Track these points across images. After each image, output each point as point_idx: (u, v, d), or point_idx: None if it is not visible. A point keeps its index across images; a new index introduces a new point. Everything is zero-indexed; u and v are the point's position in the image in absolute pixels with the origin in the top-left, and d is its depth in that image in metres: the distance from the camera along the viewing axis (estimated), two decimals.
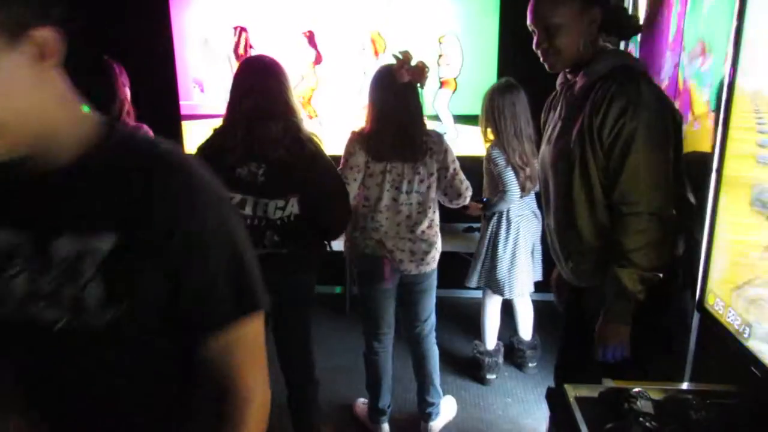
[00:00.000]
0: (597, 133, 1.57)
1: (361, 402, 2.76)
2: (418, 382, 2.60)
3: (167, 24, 3.64)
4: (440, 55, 3.54)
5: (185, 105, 3.74)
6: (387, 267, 2.35)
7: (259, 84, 2.00)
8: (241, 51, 3.66)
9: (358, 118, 3.59)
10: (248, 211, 2.03)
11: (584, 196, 1.65)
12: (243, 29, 3.64)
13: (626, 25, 1.80)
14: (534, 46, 1.71)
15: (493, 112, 2.73)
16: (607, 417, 1.33)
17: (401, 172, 2.28)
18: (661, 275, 1.59)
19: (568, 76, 1.74)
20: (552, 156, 1.75)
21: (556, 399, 1.48)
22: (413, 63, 2.21)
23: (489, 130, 2.80)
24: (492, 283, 2.90)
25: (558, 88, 1.83)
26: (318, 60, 3.65)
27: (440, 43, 3.53)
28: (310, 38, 3.62)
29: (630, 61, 1.69)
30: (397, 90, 2.21)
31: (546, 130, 1.85)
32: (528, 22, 1.71)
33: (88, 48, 2.46)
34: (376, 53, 3.58)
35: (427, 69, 2.23)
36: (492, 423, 2.74)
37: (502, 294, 2.90)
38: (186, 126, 3.74)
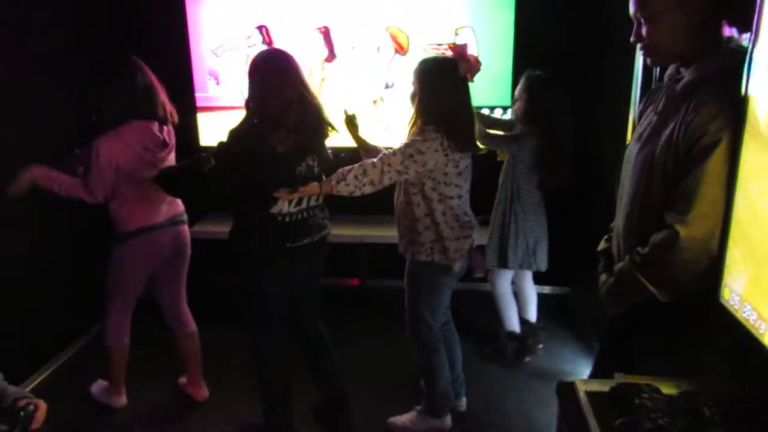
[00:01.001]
0: (681, 137, 1.43)
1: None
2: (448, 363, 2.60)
3: (182, 16, 3.64)
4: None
5: (200, 97, 3.76)
6: (478, 255, 2.40)
7: (296, 81, 2.12)
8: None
9: (369, 113, 3.61)
10: (312, 202, 2.24)
11: (658, 206, 1.52)
12: (264, 27, 3.64)
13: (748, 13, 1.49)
14: (631, 38, 1.56)
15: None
16: (618, 412, 1.32)
17: (469, 163, 2.34)
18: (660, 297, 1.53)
19: (681, 69, 1.54)
20: (636, 156, 1.61)
21: (566, 393, 1.46)
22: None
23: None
24: (502, 257, 2.97)
25: (665, 79, 1.64)
26: (331, 58, 3.63)
27: (456, 35, 3.50)
28: (326, 34, 3.60)
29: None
30: (459, 82, 2.24)
31: (639, 124, 1.70)
32: (630, 11, 1.54)
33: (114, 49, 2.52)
34: (402, 49, 3.55)
35: (479, 62, 2.24)
36: (505, 416, 2.73)
37: (509, 265, 2.96)
38: (201, 118, 3.76)
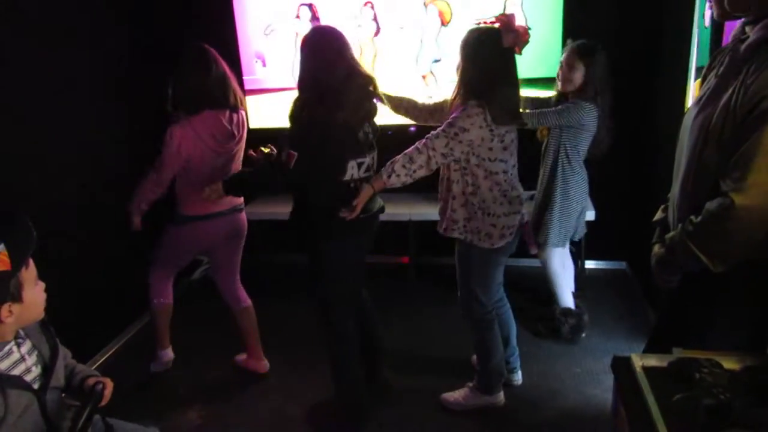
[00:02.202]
0: (739, 101, 1.37)
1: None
2: (501, 338, 2.58)
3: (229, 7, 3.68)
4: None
5: (248, 80, 3.80)
6: (530, 231, 2.39)
7: (347, 56, 2.19)
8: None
9: (419, 88, 3.57)
10: (370, 170, 2.32)
11: (714, 174, 1.47)
12: (311, 5, 3.64)
13: None
14: None
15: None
16: (677, 388, 1.28)
17: (515, 137, 2.30)
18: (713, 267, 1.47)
19: (746, 27, 1.46)
20: (693, 120, 1.56)
21: (622, 369, 1.43)
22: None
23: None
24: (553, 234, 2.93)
25: (730, 39, 1.57)
26: (377, 32, 3.61)
27: (504, 5, 3.41)
28: (373, 9, 3.58)
29: None
30: (504, 53, 2.17)
31: (702, 87, 1.64)
32: None
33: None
34: (444, 21, 3.50)
35: (528, 34, 2.16)
36: (559, 392, 2.71)
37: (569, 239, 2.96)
38: (249, 101, 3.80)
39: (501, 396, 2.60)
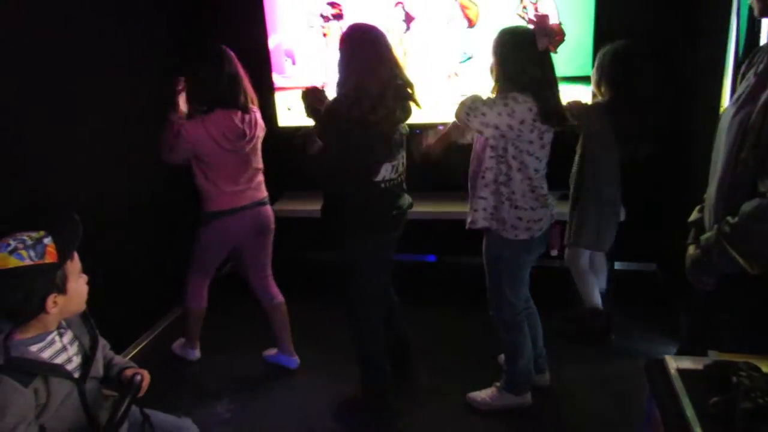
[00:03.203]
0: None
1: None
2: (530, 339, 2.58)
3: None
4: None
5: (277, 78, 3.83)
6: (556, 233, 2.38)
7: (390, 58, 2.19)
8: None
9: (448, 87, 3.56)
10: (398, 170, 2.34)
11: (751, 174, 1.45)
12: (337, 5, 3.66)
13: None
14: None
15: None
16: (713, 391, 1.27)
17: (551, 139, 2.28)
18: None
19: None
20: (731, 119, 1.55)
21: (656, 371, 1.42)
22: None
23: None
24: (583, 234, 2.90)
25: None
26: (407, 30, 3.60)
27: (533, 2, 3.38)
28: (402, 7, 3.58)
29: None
30: (540, 56, 2.14)
31: (739, 85, 1.63)
32: None
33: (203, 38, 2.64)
34: (471, 22, 3.48)
35: (564, 33, 2.13)
36: (587, 394, 2.69)
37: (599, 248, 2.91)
38: (279, 98, 3.84)
39: (528, 396, 2.59)
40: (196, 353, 3.14)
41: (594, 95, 2.88)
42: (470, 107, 2.16)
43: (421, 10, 3.53)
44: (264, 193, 2.86)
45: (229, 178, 2.67)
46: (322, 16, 3.66)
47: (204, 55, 2.61)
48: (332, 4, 3.64)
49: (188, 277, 2.93)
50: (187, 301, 2.98)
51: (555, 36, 2.10)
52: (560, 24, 2.14)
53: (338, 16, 3.66)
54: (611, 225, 2.90)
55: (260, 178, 2.83)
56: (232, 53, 2.64)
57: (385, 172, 2.27)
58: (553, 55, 2.19)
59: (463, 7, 3.47)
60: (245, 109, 2.66)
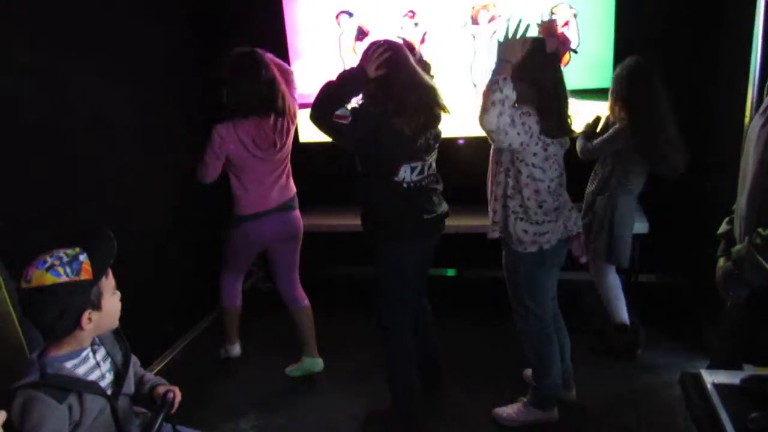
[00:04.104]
0: None
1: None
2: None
3: (280, 14, 3.74)
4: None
5: (299, 95, 3.84)
6: (577, 242, 2.41)
7: (408, 67, 2.24)
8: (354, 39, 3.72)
9: (468, 96, 3.57)
10: (425, 172, 2.34)
11: None
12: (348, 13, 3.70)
13: None
14: None
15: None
16: (751, 405, 1.25)
17: (559, 150, 2.28)
18: None
19: None
20: (760, 130, 1.55)
21: (691, 385, 1.40)
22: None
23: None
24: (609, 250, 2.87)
25: None
26: (422, 40, 3.63)
27: (552, 13, 3.39)
28: (413, 18, 3.60)
29: None
30: (550, 64, 2.17)
31: (765, 96, 1.64)
32: None
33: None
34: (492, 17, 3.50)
35: (569, 39, 2.17)
36: (614, 410, 2.64)
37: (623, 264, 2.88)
38: (300, 114, 3.85)
39: (555, 412, 2.56)
40: (237, 348, 3.23)
41: (611, 114, 2.85)
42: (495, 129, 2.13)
43: (441, 20, 3.56)
44: (291, 192, 2.91)
45: (256, 182, 2.75)
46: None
47: (240, 65, 2.65)
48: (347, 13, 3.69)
49: (221, 276, 3.02)
50: (222, 301, 3.07)
51: (563, 41, 2.11)
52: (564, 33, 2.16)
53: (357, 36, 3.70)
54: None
55: (287, 178, 2.88)
56: (266, 57, 2.68)
57: (405, 173, 2.29)
58: (570, 68, 2.20)
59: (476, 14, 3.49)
60: (282, 113, 2.71)
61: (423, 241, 2.42)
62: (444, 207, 2.46)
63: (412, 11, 3.59)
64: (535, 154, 2.20)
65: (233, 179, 2.76)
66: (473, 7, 3.48)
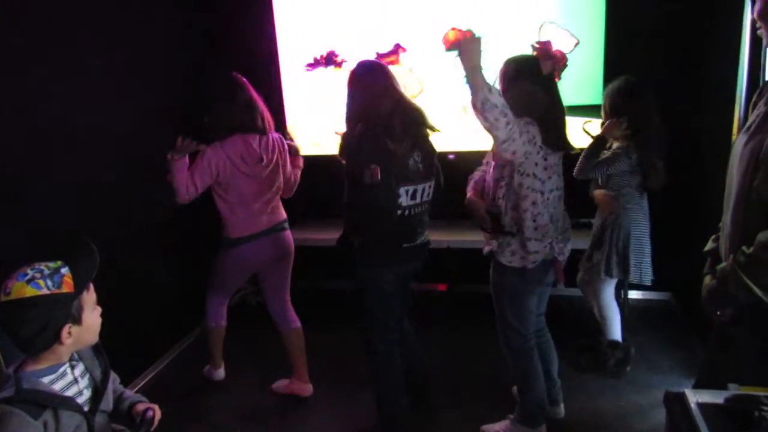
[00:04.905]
0: None
1: None
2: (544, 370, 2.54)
3: (272, 38, 3.78)
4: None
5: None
6: (558, 269, 2.36)
7: (391, 88, 2.26)
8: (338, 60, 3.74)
9: (456, 113, 3.58)
10: (417, 199, 2.32)
11: (766, 203, 1.45)
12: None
13: None
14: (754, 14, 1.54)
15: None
16: (734, 426, 1.24)
17: (558, 161, 2.27)
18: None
19: None
20: (743, 148, 1.55)
21: (675, 404, 1.39)
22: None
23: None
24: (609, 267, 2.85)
25: None
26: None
27: (540, 30, 3.40)
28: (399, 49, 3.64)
29: None
30: (544, 81, 2.17)
31: (751, 114, 1.64)
32: None
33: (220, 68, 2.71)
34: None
35: (566, 58, 2.16)
36: (603, 427, 2.63)
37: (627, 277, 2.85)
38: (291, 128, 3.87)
39: (543, 429, 2.53)
40: (221, 373, 3.16)
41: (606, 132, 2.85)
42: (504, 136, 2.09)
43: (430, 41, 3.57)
44: (282, 216, 2.89)
45: (245, 203, 2.71)
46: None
47: (216, 88, 2.70)
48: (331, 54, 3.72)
49: (208, 297, 2.98)
50: (206, 321, 3.02)
51: (558, 62, 2.12)
52: (562, 51, 2.16)
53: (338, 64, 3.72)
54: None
55: (277, 200, 2.87)
56: (243, 79, 2.70)
57: (402, 197, 2.27)
58: (562, 83, 2.21)
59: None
60: (263, 132, 2.72)
61: (402, 267, 2.41)
62: (425, 236, 2.45)
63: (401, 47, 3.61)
64: (536, 164, 2.20)
65: (219, 201, 2.72)
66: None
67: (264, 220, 2.77)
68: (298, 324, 2.98)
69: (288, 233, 2.91)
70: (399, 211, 2.28)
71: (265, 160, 2.72)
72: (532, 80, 2.17)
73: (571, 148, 2.33)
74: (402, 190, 2.27)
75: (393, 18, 3.60)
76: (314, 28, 3.75)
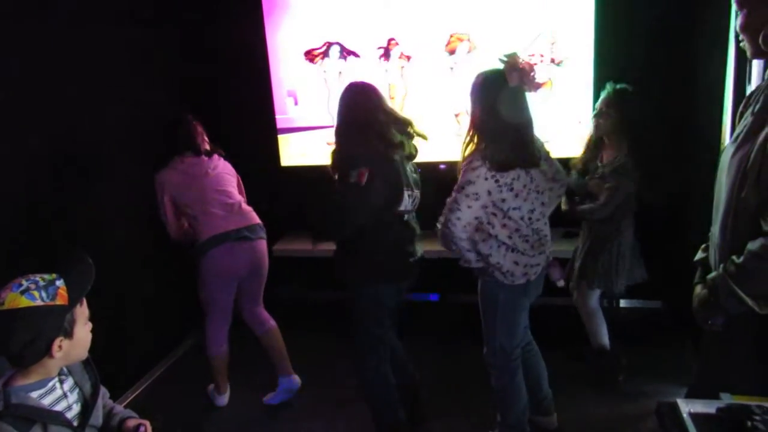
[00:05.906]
0: None
1: None
2: (532, 381, 2.54)
3: (262, 38, 3.76)
4: (532, 55, 3.44)
5: (280, 119, 3.86)
6: (556, 267, 2.40)
7: (385, 106, 2.33)
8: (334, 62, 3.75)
9: (450, 121, 3.60)
10: (410, 206, 2.39)
11: (753, 212, 1.46)
12: (330, 44, 3.73)
13: None
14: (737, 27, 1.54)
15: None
16: None
17: (534, 177, 2.19)
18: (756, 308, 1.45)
19: None
20: (731, 158, 1.55)
21: (667, 414, 1.39)
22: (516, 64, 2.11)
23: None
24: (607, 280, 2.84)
25: (765, 78, 1.59)
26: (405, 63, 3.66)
27: (534, 41, 3.43)
28: (391, 47, 3.64)
29: None
30: (511, 93, 2.10)
31: (738, 124, 1.64)
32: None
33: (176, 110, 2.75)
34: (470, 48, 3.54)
35: (534, 71, 2.12)
36: None
37: (615, 289, 2.85)
38: (282, 139, 3.87)
39: None
40: (224, 399, 3.09)
41: (595, 140, 2.86)
42: (445, 232, 2.21)
43: (421, 49, 3.59)
44: (254, 220, 2.95)
45: (205, 211, 2.82)
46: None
47: (164, 132, 2.91)
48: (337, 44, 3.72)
49: (205, 325, 2.95)
50: (207, 350, 2.97)
51: (526, 74, 2.09)
52: (529, 62, 2.13)
53: (340, 56, 3.72)
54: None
55: (245, 207, 2.95)
56: (188, 117, 2.92)
57: (406, 201, 2.33)
58: (551, 97, 2.21)
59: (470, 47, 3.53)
60: (209, 154, 2.91)
61: (396, 284, 2.42)
62: (419, 252, 2.48)
63: (394, 40, 3.62)
64: (504, 200, 2.15)
65: (189, 218, 2.86)
66: (451, 36, 3.53)
67: (233, 221, 2.85)
68: (273, 323, 3.04)
69: (263, 243, 2.96)
70: (405, 217, 2.37)
71: (210, 175, 2.87)
72: (498, 93, 2.11)
73: (536, 164, 2.20)
74: (406, 194, 2.32)
75: (388, 23, 3.61)
76: (310, 29, 3.76)
